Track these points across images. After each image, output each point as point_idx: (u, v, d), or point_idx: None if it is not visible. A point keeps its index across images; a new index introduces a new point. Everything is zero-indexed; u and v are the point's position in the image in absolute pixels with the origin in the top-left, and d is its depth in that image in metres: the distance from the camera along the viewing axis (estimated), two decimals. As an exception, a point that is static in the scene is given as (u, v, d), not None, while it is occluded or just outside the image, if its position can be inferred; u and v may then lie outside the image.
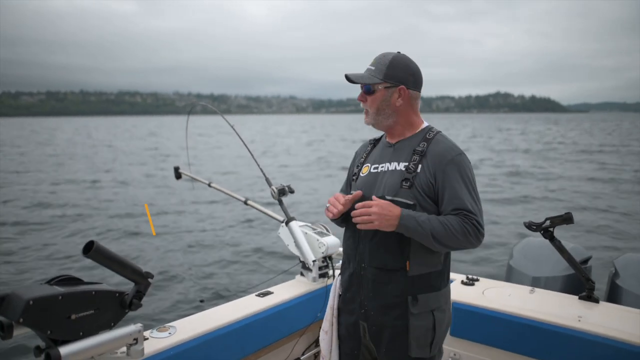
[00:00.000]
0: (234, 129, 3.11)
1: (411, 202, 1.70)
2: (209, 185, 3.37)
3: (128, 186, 16.79)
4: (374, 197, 1.71)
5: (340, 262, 2.97)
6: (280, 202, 2.76)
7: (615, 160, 24.39)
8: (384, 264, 1.74)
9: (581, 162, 23.93)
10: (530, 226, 2.53)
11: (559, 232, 2.51)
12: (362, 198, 1.78)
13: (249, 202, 3.11)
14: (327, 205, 1.82)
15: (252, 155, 3.04)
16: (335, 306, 1.95)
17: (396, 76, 1.77)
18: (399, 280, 1.73)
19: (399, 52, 1.82)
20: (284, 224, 2.76)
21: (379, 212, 1.63)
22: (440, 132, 1.83)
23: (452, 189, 1.69)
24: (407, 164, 1.75)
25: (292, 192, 2.80)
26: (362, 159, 1.93)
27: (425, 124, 1.87)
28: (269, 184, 2.80)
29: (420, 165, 1.72)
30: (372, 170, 1.84)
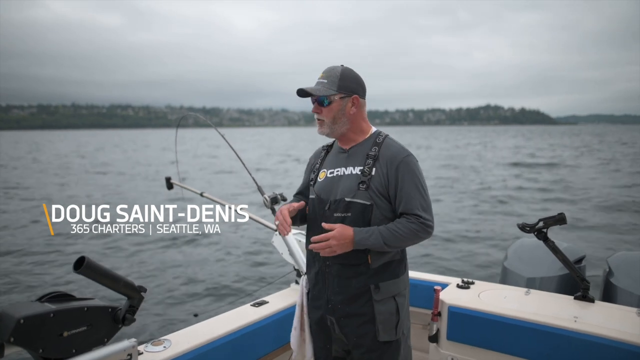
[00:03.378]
0: (225, 139, 3.12)
1: (368, 203, 1.84)
2: (201, 195, 3.35)
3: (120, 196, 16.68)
4: (324, 224, 1.82)
5: None
6: (273, 211, 2.75)
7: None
8: (348, 260, 1.86)
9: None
10: (523, 227, 2.54)
11: (552, 232, 2.53)
12: (320, 201, 1.94)
13: (241, 211, 3.09)
14: (277, 223, 1.91)
15: (243, 164, 3.04)
16: (306, 303, 2.06)
17: (349, 87, 1.92)
18: (363, 273, 1.87)
19: (342, 65, 1.95)
20: (277, 232, 2.75)
21: (337, 242, 1.78)
22: (388, 135, 1.97)
23: (402, 190, 1.85)
24: (362, 167, 1.89)
25: (284, 200, 2.79)
26: (318, 165, 2.06)
27: (374, 129, 2.01)
28: (262, 193, 2.79)
29: (374, 168, 1.87)
30: (328, 175, 1.98)
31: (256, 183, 2.91)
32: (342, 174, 1.92)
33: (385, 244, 1.80)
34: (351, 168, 1.91)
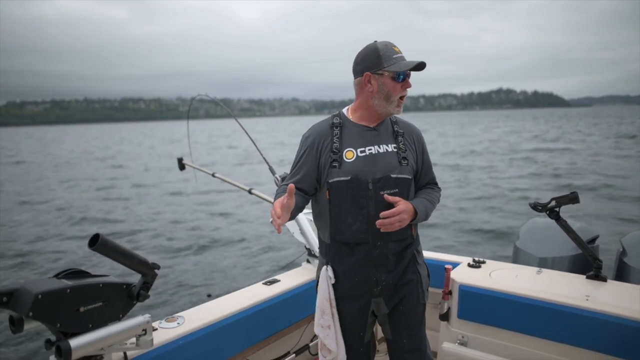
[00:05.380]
0: (237, 121, 3.13)
1: (410, 177, 1.89)
2: (213, 175, 3.38)
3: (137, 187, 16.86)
4: (387, 196, 1.79)
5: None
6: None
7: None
8: (400, 236, 1.88)
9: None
10: (535, 207, 2.51)
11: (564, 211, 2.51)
12: (359, 181, 1.80)
13: (253, 191, 3.11)
14: (271, 220, 1.70)
15: (255, 145, 3.04)
16: (333, 296, 1.92)
17: None
18: (410, 244, 1.93)
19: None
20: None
21: (407, 216, 1.80)
22: None
23: (426, 163, 2.01)
24: (395, 144, 1.91)
25: None
26: (337, 144, 1.87)
27: None
28: (272, 172, 2.80)
29: (405, 145, 1.93)
30: (359, 155, 1.85)
31: (267, 163, 2.92)
32: (375, 152, 1.86)
33: (427, 214, 1.92)
34: (384, 145, 1.88)
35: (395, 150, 1.89)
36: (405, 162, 1.88)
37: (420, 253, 2.01)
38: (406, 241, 1.92)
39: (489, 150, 26.19)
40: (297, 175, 1.91)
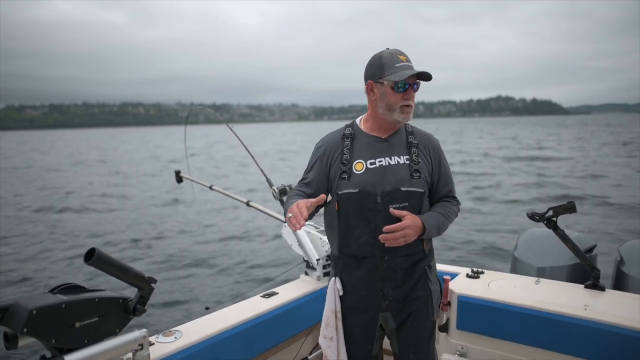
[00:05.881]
0: (232, 131, 3.13)
1: (422, 190, 1.82)
2: (211, 188, 3.38)
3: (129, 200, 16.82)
4: (393, 210, 1.75)
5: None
6: (282, 202, 2.76)
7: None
8: (409, 251, 1.83)
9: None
10: (533, 216, 2.52)
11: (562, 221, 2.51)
12: (367, 194, 1.78)
13: (251, 203, 3.10)
14: (290, 215, 1.66)
15: (252, 157, 3.05)
16: (339, 309, 1.92)
17: None
18: (421, 259, 1.88)
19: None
20: (286, 224, 2.76)
21: (413, 231, 1.75)
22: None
23: (443, 175, 1.93)
24: (408, 156, 1.84)
25: None
26: (347, 155, 1.86)
27: None
28: (270, 185, 2.80)
29: (419, 157, 1.86)
30: (369, 167, 1.82)
31: (265, 175, 2.92)
32: (386, 164, 1.82)
33: (440, 229, 1.85)
34: (396, 157, 1.83)
35: (407, 162, 1.83)
36: (417, 174, 1.82)
37: (432, 269, 1.95)
38: (416, 256, 1.86)
39: (486, 158, 26.28)
40: (309, 187, 1.92)
